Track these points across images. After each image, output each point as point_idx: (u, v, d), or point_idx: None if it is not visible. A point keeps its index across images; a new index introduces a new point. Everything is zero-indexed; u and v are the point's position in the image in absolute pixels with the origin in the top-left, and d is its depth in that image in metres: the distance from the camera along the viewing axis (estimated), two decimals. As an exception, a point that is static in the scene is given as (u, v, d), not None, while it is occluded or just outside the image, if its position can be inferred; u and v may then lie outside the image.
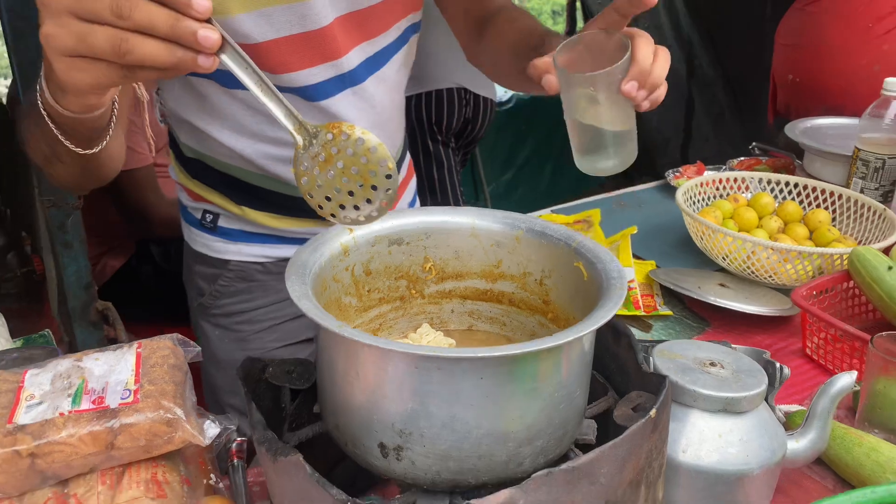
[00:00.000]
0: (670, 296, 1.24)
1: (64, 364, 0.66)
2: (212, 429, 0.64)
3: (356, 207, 0.63)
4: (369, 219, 0.64)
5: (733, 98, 3.04)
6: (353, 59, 1.01)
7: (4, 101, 2.07)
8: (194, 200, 1.15)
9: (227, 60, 0.58)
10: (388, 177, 0.62)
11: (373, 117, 1.07)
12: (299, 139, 0.62)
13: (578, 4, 3.75)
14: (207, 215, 1.14)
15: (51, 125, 0.70)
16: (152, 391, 0.62)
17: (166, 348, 0.68)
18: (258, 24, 0.93)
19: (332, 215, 0.64)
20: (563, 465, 0.54)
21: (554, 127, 3.56)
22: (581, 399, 0.61)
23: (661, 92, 0.81)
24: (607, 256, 0.63)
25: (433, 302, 0.74)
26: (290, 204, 1.10)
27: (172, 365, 0.66)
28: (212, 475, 0.69)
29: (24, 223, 1.74)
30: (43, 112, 0.69)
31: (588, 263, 0.64)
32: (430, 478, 0.56)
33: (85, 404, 0.61)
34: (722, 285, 1.22)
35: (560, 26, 3.89)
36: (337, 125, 0.62)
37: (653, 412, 0.59)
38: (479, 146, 2.93)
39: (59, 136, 0.71)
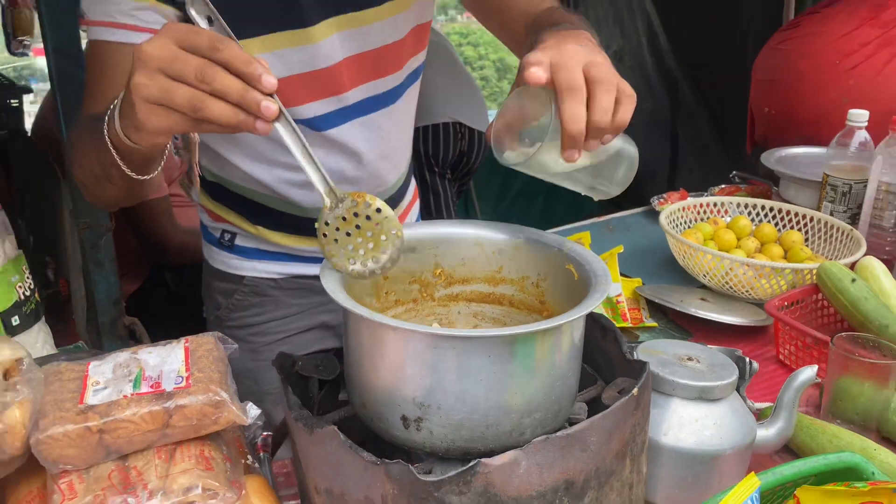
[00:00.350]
0: (655, 309, 1.34)
1: (122, 356, 0.75)
2: (253, 410, 0.73)
3: (363, 264, 0.74)
4: (372, 274, 0.75)
5: (716, 130, 3.18)
6: (357, 94, 1.12)
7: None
8: (214, 221, 1.26)
9: (280, 128, 0.70)
10: (396, 243, 0.73)
11: (379, 147, 1.18)
12: (328, 201, 0.73)
13: None
14: (226, 234, 1.25)
15: (113, 152, 0.80)
16: (201, 378, 0.72)
17: (210, 343, 0.77)
18: (272, 64, 1.04)
19: (343, 268, 0.74)
20: (559, 433, 0.63)
21: (546, 160, 3.67)
22: (573, 380, 0.71)
23: (622, 116, 0.73)
24: (593, 258, 0.74)
25: (442, 304, 0.84)
26: (300, 224, 1.21)
27: (216, 357, 0.76)
28: (248, 456, 0.78)
29: (48, 249, 1.83)
30: (107, 140, 0.79)
31: (577, 265, 0.74)
32: (445, 446, 0.65)
33: (144, 388, 0.70)
34: (703, 299, 1.32)
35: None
36: (361, 195, 0.73)
37: (635, 391, 0.69)
38: (473, 179, 3.05)
39: (119, 162, 0.81)
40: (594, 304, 0.65)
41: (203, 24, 0.70)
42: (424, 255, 0.82)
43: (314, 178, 0.72)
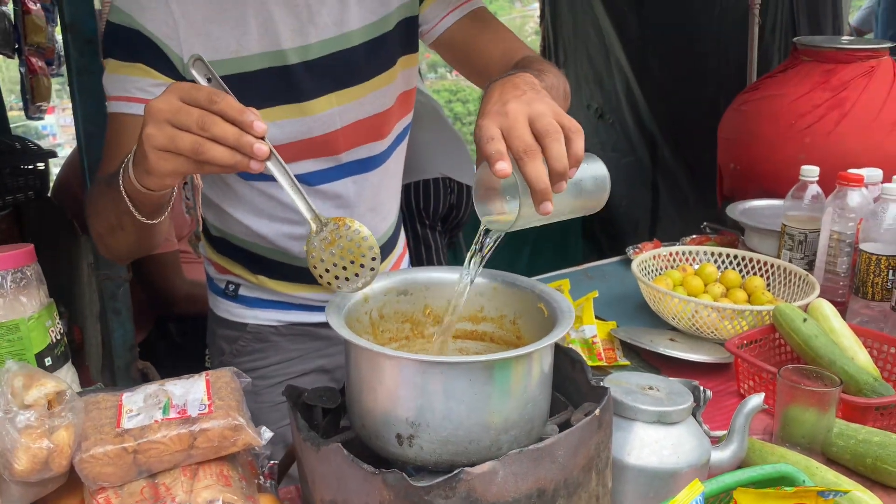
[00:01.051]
0: (628, 349, 1.45)
1: (151, 388, 0.86)
2: (266, 433, 0.83)
3: (347, 279, 0.86)
4: (355, 289, 0.87)
5: (693, 184, 3.34)
6: (351, 155, 1.25)
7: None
8: (220, 273, 1.37)
9: (271, 166, 0.82)
10: (374, 259, 0.86)
11: (369, 200, 1.30)
12: (314, 226, 0.86)
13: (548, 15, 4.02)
14: (230, 285, 1.36)
15: (127, 200, 0.92)
16: (222, 405, 0.82)
17: (227, 377, 0.88)
18: (271, 132, 1.17)
19: (329, 283, 0.87)
20: (531, 447, 0.74)
21: (532, 213, 3.82)
22: (544, 403, 0.82)
23: (576, 151, 0.79)
24: (560, 298, 0.85)
25: (431, 341, 0.95)
26: (298, 273, 1.33)
27: (233, 388, 0.86)
28: (260, 477, 0.88)
29: (61, 300, 1.94)
30: (121, 189, 0.91)
31: (547, 304, 0.86)
32: (433, 459, 0.76)
33: (172, 414, 0.80)
34: (672, 340, 1.44)
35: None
36: (342, 219, 0.86)
37: (597, 412, 0.79)
38: (462, 231, 3.19)
39: (131, 208, 0.93)
40: (559, 335, 0.76)
41: (202, 81, 0.83)
42: (415, 298, 0.93)
43: (301, 206, 0.85)
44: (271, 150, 0.81)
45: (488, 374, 0.74)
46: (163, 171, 0.82)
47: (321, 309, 1.36)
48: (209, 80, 0.83)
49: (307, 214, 0.85)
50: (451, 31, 1.25)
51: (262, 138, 0.80)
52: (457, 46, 1.27)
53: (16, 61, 2.79)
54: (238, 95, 1.18)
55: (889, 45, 1.93)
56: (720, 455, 0.98)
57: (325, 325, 1.38)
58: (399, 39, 1.24)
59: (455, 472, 0.70)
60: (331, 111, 1.18)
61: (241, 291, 1.36)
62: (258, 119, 0.79)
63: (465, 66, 1.28)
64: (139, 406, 0.82)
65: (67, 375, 1.07)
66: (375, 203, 1.32)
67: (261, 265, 1.33)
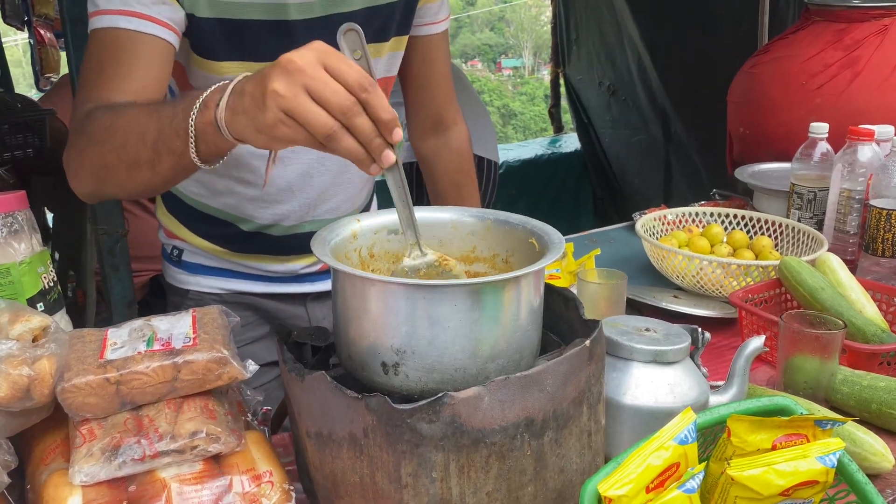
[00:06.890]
0: (631, 307, 1.42)
1: (137, 323, 0.85)
2: (252, 366, 0.82)
3: None
4: None
5: (707, 160, 3.29)
6: None
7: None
8: (168, 237, 1.35)
9: (389, 176, 0.76)
10: None
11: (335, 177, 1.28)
12: (412, 252, 0.80)
13: (562, 81, 4.08)
14: (175, 250, 1.34)
15: (190, 138, 0.80)
16: (207, 339, 0.81)
17: (214, 313, 0.87)
18: None
19: None
20: (518, 374, 0.72)
21: (542, 191, 3.81)
22: (534, 335, 0.80)
23: None
24: (552, 231, 0.83)
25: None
26: (244, 239, 1.29)
27: (220, 324, 0.85)
28: (248, 414, 0.87)
29: (70, 264, 1.94)
30: (189, 126, 0.80)
31: (538, 238, 0.84)
32: (419, 388, 0.74)
33: (156, 346, 0.80)
34: (675, 297, 1.41)
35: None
36: (447, 259, 0.81)
37: (587, 342, 0.77)
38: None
39: (191, 149, 0.81)
40: (548, 262, 0.75)
41: (349, 55, 0.73)
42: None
43: (407, 229, 0.79)
44: (397, 160, 0.74)
45: (474, 299, 0.72)
46: (280, 136, 0.72)
47: (269, 279, 1.34)
48: (358, 58, 0.73)
49: (411, 239, 0.80)
50: (428, 38, 1.30)
51: (392, 146, 0.73)
52: (418, 56, 1.31)
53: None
54: (229, 44, 1.13)
55: (903, 2, 1.88)
56: (719, 399, 0.96)
57: (273, 296, 1.35)
58: (398, 17, 1.21)
59: (439, 395, 0.68)
60: None
61: (185, 257, 1.33)
62: (399, 127, 0.73)
63: (408, 74, 1.33)
64: (123, 339, 0.82)
65: (60, 323, 1.07)
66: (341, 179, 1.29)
67: (208, 226, 1.29)
